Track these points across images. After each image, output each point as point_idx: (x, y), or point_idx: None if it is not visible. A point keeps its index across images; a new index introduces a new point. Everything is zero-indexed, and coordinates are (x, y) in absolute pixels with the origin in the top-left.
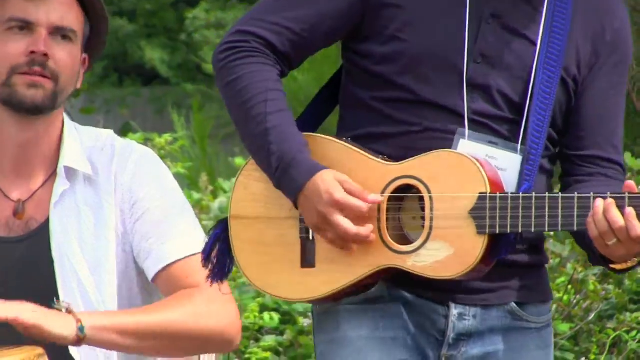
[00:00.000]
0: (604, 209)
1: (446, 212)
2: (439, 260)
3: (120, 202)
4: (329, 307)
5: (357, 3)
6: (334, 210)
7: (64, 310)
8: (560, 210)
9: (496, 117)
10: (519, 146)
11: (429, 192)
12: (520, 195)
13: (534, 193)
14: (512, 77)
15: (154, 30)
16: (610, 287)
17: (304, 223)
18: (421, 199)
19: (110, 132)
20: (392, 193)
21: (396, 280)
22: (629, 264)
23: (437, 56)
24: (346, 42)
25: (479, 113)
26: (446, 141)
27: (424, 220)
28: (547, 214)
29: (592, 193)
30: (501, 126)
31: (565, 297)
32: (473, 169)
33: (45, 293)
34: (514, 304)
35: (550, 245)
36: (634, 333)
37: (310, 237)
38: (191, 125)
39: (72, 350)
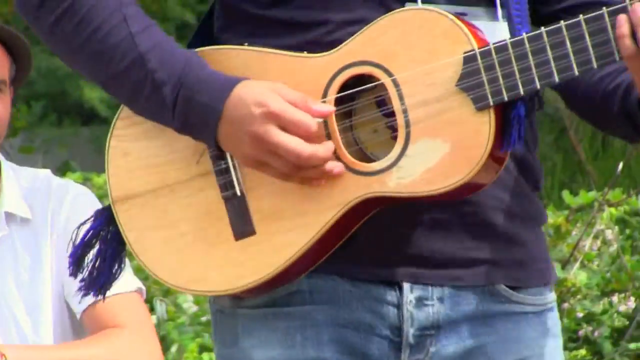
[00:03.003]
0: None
1: (424, 96)
2: (432, 167)
3: (56, 243)
4: (225, 305)
5: None
6: (272, 128)
7: None
8: (588, 39)
9: None
10: (499, 10)
11: (390, 75)
12: (525, 36)
13: (527, 34)
14: None
15: None
16: None
17: (226, 174)
18: (379, 103)
19: (47, 172)
20: (338, 93)
21: (325, 261)
22: None
23: None
24: None
25: None
26: None
27: (391, 128)
28: (570, 50)
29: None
30: None
31: None
32: (445, 23)
33: None
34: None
35: None
36: None
37: (238, 193)
38: None
39: None
